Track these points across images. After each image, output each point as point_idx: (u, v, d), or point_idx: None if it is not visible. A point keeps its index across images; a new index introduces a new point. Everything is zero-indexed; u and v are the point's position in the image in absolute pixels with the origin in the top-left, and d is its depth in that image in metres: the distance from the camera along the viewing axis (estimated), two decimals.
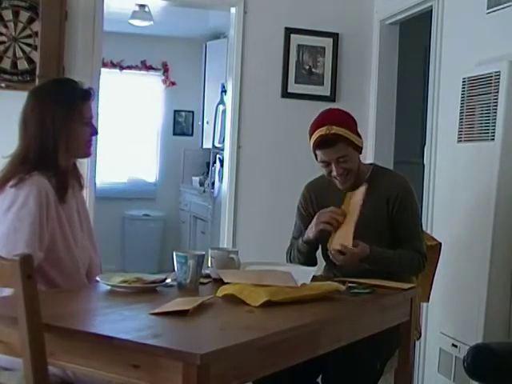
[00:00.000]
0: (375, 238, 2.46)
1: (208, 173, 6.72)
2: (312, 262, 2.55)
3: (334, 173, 2.49)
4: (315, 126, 2.48)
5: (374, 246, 2.41)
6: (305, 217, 2.65)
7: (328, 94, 4.39)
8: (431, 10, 3.75)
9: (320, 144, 2.45)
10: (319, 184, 2.66)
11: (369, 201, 2.53)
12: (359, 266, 2.40)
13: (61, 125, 2.19)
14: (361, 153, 2.57)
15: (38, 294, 1.54)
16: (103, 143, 4.46)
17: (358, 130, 2.55)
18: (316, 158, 2.53)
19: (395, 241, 2.54)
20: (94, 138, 2.32)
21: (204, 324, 1.73)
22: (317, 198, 2.65)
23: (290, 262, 2.63)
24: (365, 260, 2.38)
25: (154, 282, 2.05)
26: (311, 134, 2.49)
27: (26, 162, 2.17)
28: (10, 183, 2.11)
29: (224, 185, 4.50)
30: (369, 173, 2.60)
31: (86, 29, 3.97)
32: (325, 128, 2.43)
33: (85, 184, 2.41)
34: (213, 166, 6.43)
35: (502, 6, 3.10)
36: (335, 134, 2.42)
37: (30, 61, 3.82)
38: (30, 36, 3.84)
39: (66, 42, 3.84)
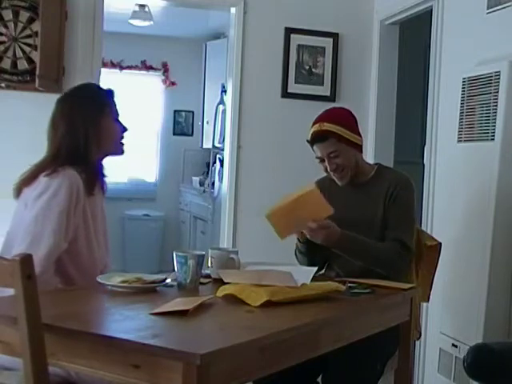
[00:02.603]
0: (373, 238, 2.47)
1: (208, 173, 6.71)
2: (315, 263, 2.55)
3: (328, 168, 2.56)
4: (312, 123, 2.58)
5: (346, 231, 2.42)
6: None
7: (328, 93, 4.39)
8: (431, 10, 3.75)
9: (312, 139, 2.56)
10: (324, 182, 2.68)
11: (369, 199, 2.54)
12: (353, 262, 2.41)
13: (91, 122, 2.26)
14: (361, 151, 2.60)
15: (42, 293, 1.54)
16: None
17: (359, 128, 2.59)
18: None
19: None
20: (125, 135, 2.38)
21: (204, 324, 1.73)
22: None
23: (299, 263, 2.64)
24: (337, 242, 2.39)
25: (154, 282, 2.05)
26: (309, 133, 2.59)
27: (58, 159, 2.23)
28: (44, 173, 2.18)
29: (224, 185, 4.50)
30: (373, 172, 2.62)
31: (86, 29, 3.97)
32: (317, 125, 2.54)
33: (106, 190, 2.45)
34: (213, 165, 6.43)
35: (501, 6, 3.10)
36: (326, 130, 2.51)
37: (30, 61, 3.82)
38: (29, 36, 3.84)
39: (65, 42, 3.85)
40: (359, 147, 2.58)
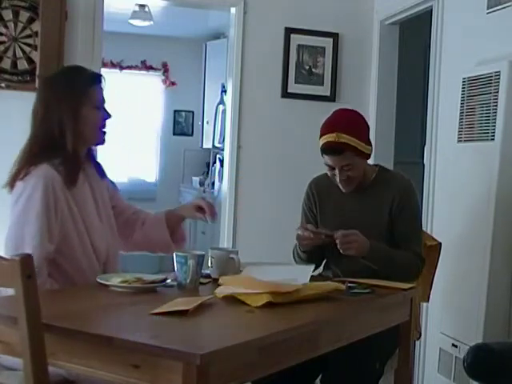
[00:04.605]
0: (375, 240, 2.46)
1: (208, 173, 6.72)
2: (315, 262, 2.55)
3: (338, 178, 2.49)
4: (326, 128, 2.45)
5: (373, 241, 2.40)
6: (308, 215, 2.66)
7: (328, 94, 4.39)
8: (431, 10, 3.76)
9: (327, 150, 2.43)
10: (321, 181, 2.65)
11: (371, 203, 2.53)
12: (359, 263, 2.40)
13: (67, 108, 2.17)
14: (368, 159, 2.55)
15: (42, 293, 1.54)
16: None
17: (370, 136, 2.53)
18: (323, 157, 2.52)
19: (394, 243, 2.52)
20: (107, 123, 2.28)
21: (204, 324, 1.73)
22: (319, 195, 2.64)
23: (296, 262, 2.63)
24: (366, 252, 2.36)
25: (153, 282, 2.05)
26: (321, 136, 2.46)
27: (33, 152, 2.18)
28: (19, 177, 2.13)
29: (224, 185, 4.50)
30: (374, 174, 2.59)
31: (86, 29, 3.97)
32: (334, 134, 2.39)
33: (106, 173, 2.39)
34: (213, 166, 6.43)
35: (501, 6, 3.10)
36: (344, 143, 2.39)
37: (30, 61, 3.82)
38: (29, 36, 3.83)
39: (65, 42, 3.84)
40: (369, 156, 2.52)
